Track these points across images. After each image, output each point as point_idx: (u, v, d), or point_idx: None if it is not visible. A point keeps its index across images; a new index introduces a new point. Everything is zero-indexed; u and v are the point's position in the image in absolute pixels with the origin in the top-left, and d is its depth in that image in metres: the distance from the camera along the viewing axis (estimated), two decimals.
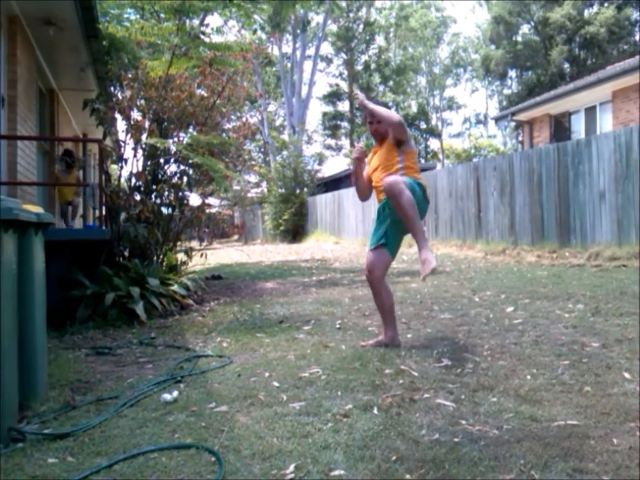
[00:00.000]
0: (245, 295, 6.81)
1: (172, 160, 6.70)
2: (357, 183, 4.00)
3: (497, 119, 20.95)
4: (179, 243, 7.22)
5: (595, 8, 25.96)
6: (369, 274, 3.81)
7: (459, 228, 12.08)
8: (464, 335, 3.97)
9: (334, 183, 24.84)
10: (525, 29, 28.65)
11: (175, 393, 2.84)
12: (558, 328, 3.99)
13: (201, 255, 7.30)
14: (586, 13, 25.88)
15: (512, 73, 30.32)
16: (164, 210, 6.81)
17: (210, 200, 7.98)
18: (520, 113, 17.57)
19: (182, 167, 6.83)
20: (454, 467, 1.91)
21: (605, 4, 25.56)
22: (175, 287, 5.90)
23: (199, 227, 7.67)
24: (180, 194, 6.85)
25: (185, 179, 6.85)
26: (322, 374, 3.10)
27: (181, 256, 7.04)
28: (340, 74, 42.76)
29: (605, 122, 14.68)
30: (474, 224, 11.46)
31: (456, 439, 2.14)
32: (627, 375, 2.82)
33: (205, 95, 7.03)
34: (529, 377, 2.90)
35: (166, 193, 6.75)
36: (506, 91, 32.14)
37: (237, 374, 3.22)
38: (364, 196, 4.03)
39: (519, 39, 28.63)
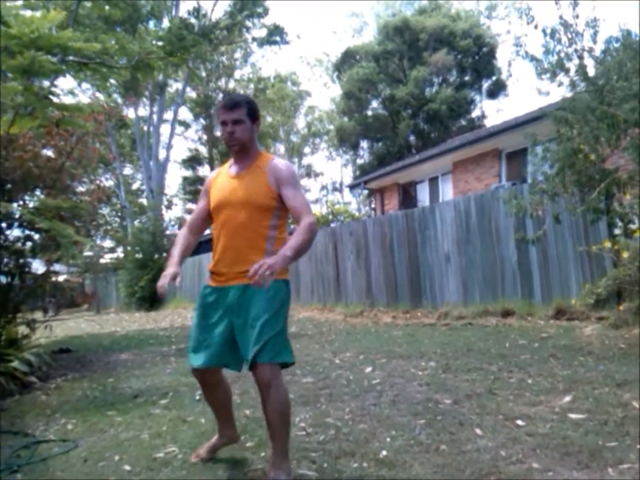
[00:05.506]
0: (96, 369, 6.33)
1: (15, 224, 6.20)
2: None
3: (352, 187, 22.05)
4: (19, 314, 6.60)
5: (435, 88, 28.77)
6: None
7: (320, 291, 12.31)
8: (326, 399, 3.97)
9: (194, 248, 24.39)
10: (374, 104, 30.83)
11: None
12: (413, 386, 4.13)
13: (45, 327, 6.72)
14: (427, 92, 28.56)
15: (364, 144, 32.27)
16: (2, 279, 6.24)
17: (58, 268, 7.45)
18: (371, 182, 18.68)
19: (27, 232, 6.35)
20: None
21: (444, 85, 28.49)
22: (15, 364, 5.38)
23: (43, 296, 7.09)
24: (21, 260, 6.32)
25: (29, 244, 6.36)
26: (178, 453, 2.92)
27: (22, 329, 6.43)
28: (200, 139, 42.94)
29: (447, 191, 16.05)
30: (333, 287, 11.74)
31: None
32: (478, 431, 2.96)
33: (53, 156, 6.68)
34: (388, 439, 2.93)
35: (5, 260, 6.20)
36: (359, 161, 34.01)
37: (83, 459, 2.94)
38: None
39: (369, 112, 30.70)
